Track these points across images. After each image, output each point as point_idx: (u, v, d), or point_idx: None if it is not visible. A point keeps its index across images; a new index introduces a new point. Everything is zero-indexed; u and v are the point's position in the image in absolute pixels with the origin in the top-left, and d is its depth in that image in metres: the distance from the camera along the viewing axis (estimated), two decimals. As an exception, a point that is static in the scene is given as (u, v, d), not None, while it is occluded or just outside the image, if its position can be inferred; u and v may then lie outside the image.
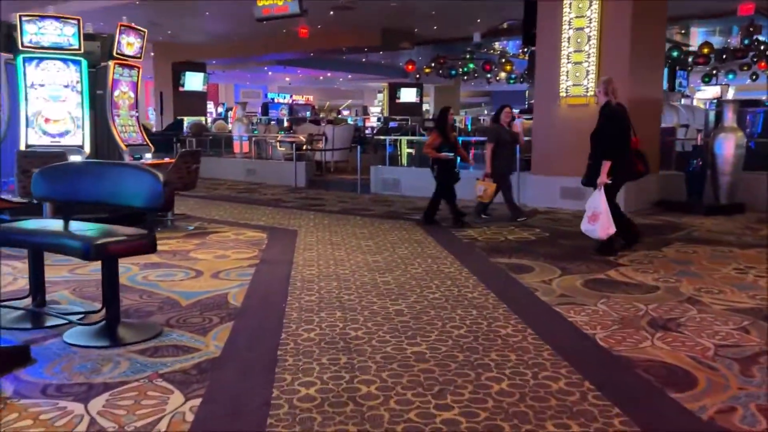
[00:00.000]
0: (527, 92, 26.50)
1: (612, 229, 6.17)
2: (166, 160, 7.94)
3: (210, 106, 28.12)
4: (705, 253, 6.45)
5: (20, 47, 7.05)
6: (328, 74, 29.98)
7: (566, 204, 9.70)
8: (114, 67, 7.57)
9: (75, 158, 7.16)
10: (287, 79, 33.29)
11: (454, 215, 8.12)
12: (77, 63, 7.28)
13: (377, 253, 6.51)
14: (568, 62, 9.78)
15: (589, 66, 9.60)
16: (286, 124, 22.73)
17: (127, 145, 7.67)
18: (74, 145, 7.25)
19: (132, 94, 8.03)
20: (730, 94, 27.90)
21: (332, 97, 41.89)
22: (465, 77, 24.29)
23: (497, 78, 27.14)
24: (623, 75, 9.16)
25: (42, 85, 7.19)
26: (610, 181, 6.16)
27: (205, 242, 7.08)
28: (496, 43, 21.88)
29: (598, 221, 6.15)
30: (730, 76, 25.64)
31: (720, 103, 13.72)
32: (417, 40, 19.57)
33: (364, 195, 11.77)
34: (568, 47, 9.76)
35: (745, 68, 22.28)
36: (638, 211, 9.00)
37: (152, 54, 22.22)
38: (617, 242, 6.46)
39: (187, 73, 23.57)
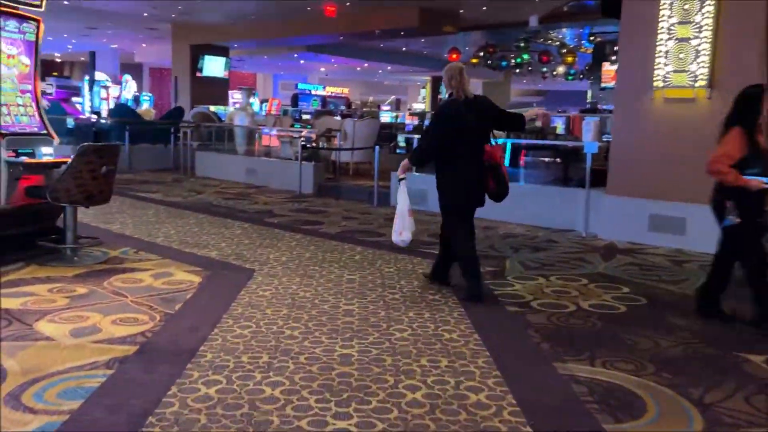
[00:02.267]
0: (588, 91, 23.32)
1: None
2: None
3: (237, 95, 25.76)
4: None
5: None
6: (365, 65, 27.29)
7: (658, 239, 6.78)
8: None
9: None
10: (322, 69, 30.71)
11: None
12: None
13: (358, 336, 3.77)
14: (669, 38, 6.84)
15: (700, 44, 6.64)
16: (304, 116, 20.12)
17: (8, 135, 5.11)
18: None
19: (26, 60, 5.47)
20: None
21: (374, 91, 39.28)
22: (517, 70, 21.23)
23: (554, 73, 24.02)
24: (752, 58, 6.22)
25: None
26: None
27: (93, 291, 4.46)
28: (553, 32, 18.79)
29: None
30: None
31: None
32: (462, 23, 16.69)
33: (380, 209, 9.03)
34: (669, 17, 6.82)
35: None
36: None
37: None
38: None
39: (206, 57, 21.19)
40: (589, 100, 21.54)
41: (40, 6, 5.48)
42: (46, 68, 26.10)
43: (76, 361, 3.20)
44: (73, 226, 5.28)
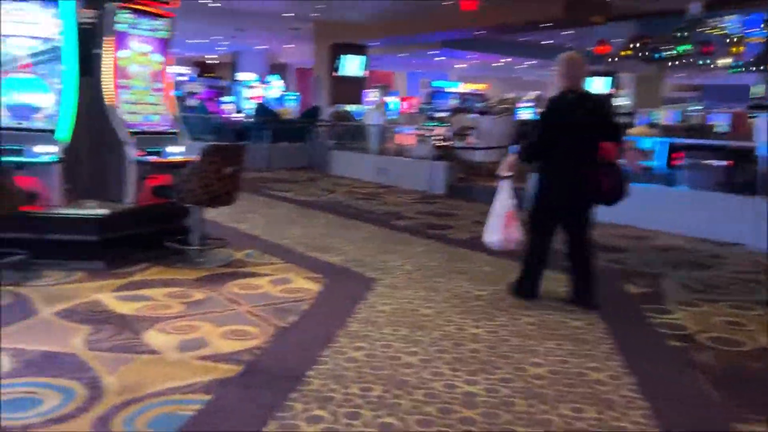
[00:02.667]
0: (756, 86, 20.95)
1: None
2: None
3: (373, 94, 25.84)
4: None
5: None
6: (502, 61, 26.38)
7: None
8: (117, 13, 5.00)
9: (42, 149, 4.71)
10: (461, 65, 30.12)
11: None
12: (54, 3, 4.80)
13: (485, 369, 3.25)
14: None
15: None
16: (438, 114, 19.63)
17: (136, 133, 5.10)
18: (43, 129, 4.80)
19: (158, 58, 5.46)
20: None
21: (514, 87, 38.10)
22: (675, 62, 19.41)
23: (714, 65, 21.80)
24: None
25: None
26: None
27: (210, 298, 4.28)
28: (715, 20, 16.90)
29: None
30: None
31: None
32: (612, 13, 15.46)
33: (516, 214, 8.38)
34: None
35: None
36: None
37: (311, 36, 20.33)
38: None
39: (344, 57, 21.35)
40: (757, 94, 19.29)
41: (167, 2, 5.44)
42: (198, 69, 27.66)
43: (176, 381, 2.95)
44: (199, 227, 5.18)
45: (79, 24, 5.12)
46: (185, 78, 22.24)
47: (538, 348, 3.53)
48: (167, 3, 5.45)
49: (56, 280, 4.51)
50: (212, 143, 5.01)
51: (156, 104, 5.47)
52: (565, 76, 4.24)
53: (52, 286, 4.37)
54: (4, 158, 4.50)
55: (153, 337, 3.51)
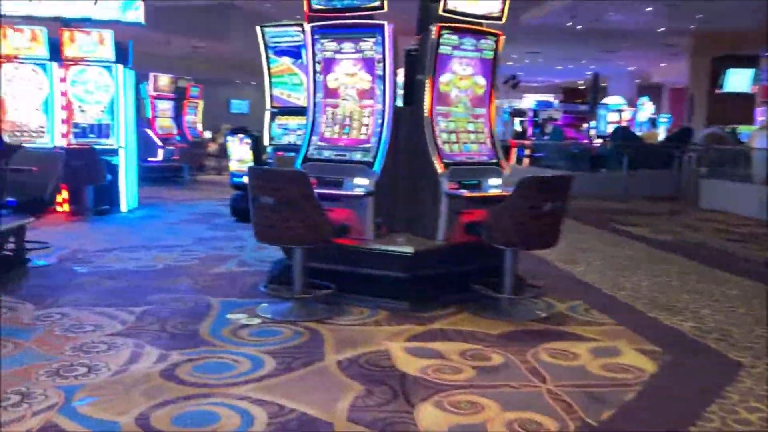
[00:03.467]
0: None
1: None
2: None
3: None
4: None
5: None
6: None
7: None
8: (441, 34, 4.59)
9: (358, 181, 4.55)
10: None
11: None
12: (378, 31, 4.57)
13: None
14: None
15: None
16: None
17: (452, 164, 4.63)
18: (360, 161, 4.62)
19: (481, 81, 4.92)
20: None
21: None
22: None
23: None
24: None
25: (330, 61, 4.72)
26: None
27: (509, 364, 3.52)
28: None
29: None
30: None
31: None
32: None
33: None
34: None
35: None
36: None
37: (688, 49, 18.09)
38: None
39: (729, 71, 18.47)
40: None
41: (500, 19, 4.87)
42: (567, 95, 27.10)
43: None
44: (511, 271, 4.47)
45: (408, 51, 4.91)
46: (544, 105, 21.92)
47: None
48: (498, 18, 4.90)
49: (357, 318, 4.26)
50: (530, 176, 4.25)
51: (476, 132, 4.94)
52: None
53: (350, 326, 4.12)
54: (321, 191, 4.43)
55: (425, 413, 2.89)
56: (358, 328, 4.09)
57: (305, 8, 4.77)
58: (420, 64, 4.77)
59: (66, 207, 8.55)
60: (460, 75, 4.82)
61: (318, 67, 4.82)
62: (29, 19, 8.63)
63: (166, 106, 13.89)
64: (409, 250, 4.46)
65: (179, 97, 14.77)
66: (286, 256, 4.81)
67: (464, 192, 4.62)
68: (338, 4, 4.64)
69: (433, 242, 4.64)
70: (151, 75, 13.38)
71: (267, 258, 5.69)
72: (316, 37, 4.77)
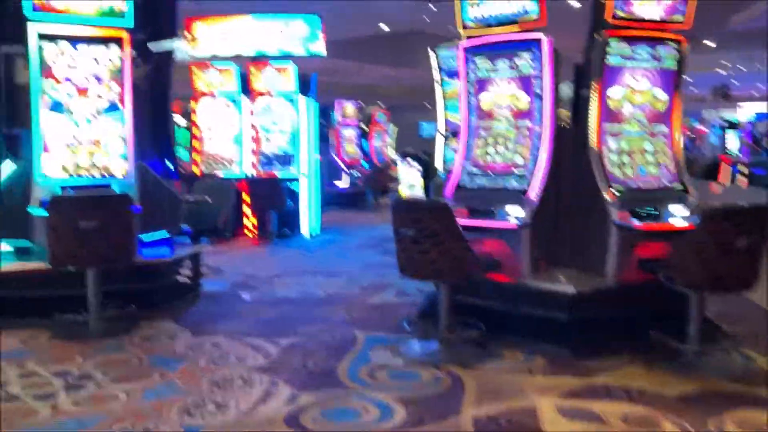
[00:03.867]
0: None
1: None
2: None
3: None
4: None
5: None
6: None
7: None
8: (608, 42, 4.02)
9: (511, 210, 4.13)
10: None
11: None
12: (534, 45, 4.09)
13: None
14: None
15: None
16: None
17: (624, 190, 4.02)
18: (515, 188, 4.17)
19: (660, 94, 4.25)
20: None
21: None
22: None
23: None
24: None
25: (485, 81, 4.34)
26: None
27: (683, 436, 2.88)
28: None
29: None
30: None
31: None
32: None
33: None
34: None
35: None
36: None
37: None
38: None
39: None
40: None
41: (683, 22, 4.18)
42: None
43: None
44: (698, 318, 3.74)
45: (577, 65, 4.42)
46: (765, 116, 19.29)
47: None
48: (681, 23, 4.23)
49: (508, 364, 3.83)
50: (716, 206, 3.53)
51: (655, 153, 4.27)
52: None
53: (498, 373, 3.70)
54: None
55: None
56: (506, 376, 3.65)
57: (457, 27, 4.49)
58: (585, 78, 4.24)
59: (253, 232, 9.06)
60: (634, 88, 4.21)
61: (471, 88, 4.50)
62: (221, 58, 9.36)
63: (351, 133, 14.34)
64: (570, 289, 3.94)
65: (366, 123, 15.20)
66: (436, 289, 4.52)
67: (638, 223, 3.99)
68: (491, 21, 4.29)
69: (601, 280, 4.07)
70: (337, 103, 13.91)
71: (426, 288, 5.43)
72: (468, 56, 4.46)
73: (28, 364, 3.78)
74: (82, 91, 4.79)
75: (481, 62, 4.42)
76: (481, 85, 4.46)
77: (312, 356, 3.97)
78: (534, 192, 4.11)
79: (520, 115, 4.33)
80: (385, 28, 15.42)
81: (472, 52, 4.44)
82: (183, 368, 3.76)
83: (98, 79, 4.83)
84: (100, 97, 4.84)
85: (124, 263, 4.43)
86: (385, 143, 16.56)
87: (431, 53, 7.69)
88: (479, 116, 4.51)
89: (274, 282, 6.15)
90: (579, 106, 4.35)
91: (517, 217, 4.08)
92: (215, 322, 4.72)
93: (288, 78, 9.13)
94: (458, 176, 4.49)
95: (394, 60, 19.52)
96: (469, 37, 4.47)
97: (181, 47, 9.76)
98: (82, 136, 4.79)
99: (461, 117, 4.59)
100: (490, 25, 4.32)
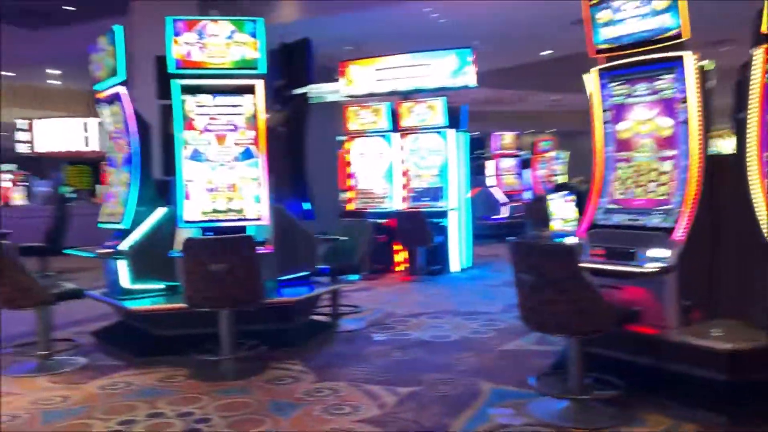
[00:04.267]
0: None
1: None
2: None
3: None
4: None
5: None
6: None
7: None
8: (766, 59, 3.41)
9: (655, 253, 3.63)
10: None
11: None
12: (676, 64, 3.57)
13: None
14: None
15: None
16: None
17: None
18: (658, 227, 3.64)
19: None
20: None
21: None
22: None
23: None
24: None
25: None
26: None
27: None
28: None
29: None
30: None
31: None
32: None
33: None
34: None
35: None
36: None
37: None
38: None
39: None
40: None
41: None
42: None
43: None
44: None
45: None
46: None
47: None
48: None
49: (652, 431, 3.32)
50: None
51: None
52: None
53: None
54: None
55: None
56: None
57: (589, 51, 4.09)
58: (743, 98, 3.64)
59: (402, 267, 9.04)
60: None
61: (607, 116, 4.06)
62: (372, 96, 9.55)
63: (510, 163, 13.95)
64: (726, 346, 3.34)
65: (530, 152, 14.75)
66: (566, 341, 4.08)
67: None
68: (626, 40, 3.86)
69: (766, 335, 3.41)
70: (493, 134, 13.63)
71: (568, 335, 4.97)
72: (603, 81, 4.04)
73: (158, 402, 3.95)
74: (221, 138, 5.04)
75: (618, 87, 3.98)
76: (618, 112, 4.01)
77: (428, 410, 3.73)
78: (681, 230, 3.58)
79: (663, 143, 3.82)
80: (547, 52, 14.95)
81: (607, 76, 4.02)
82: (296, 416, 3.70)
83: (234, 126, 5.05)
84: (237, 144, 5.07)
85: (254, 304, 4.53)
86: (551, 171, 15.93)
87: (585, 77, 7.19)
88: (617, 147, 4.05)
89: (409, 321, 6.01)
90: (738, 131, 3.75)
91: (660, 259, 3.57)
92: (341, 365, 4.66)
93: (437, 112, 9.07)
94: (593, 213, 4.05)
95: (559, 85, 18.79)
96: (605, 59, 4.06)
97: (337, 89, 10.16)
98: (219, 182, 5.02)
99: (596, 148, 4.15)
100: (623, 47, 3.88)
